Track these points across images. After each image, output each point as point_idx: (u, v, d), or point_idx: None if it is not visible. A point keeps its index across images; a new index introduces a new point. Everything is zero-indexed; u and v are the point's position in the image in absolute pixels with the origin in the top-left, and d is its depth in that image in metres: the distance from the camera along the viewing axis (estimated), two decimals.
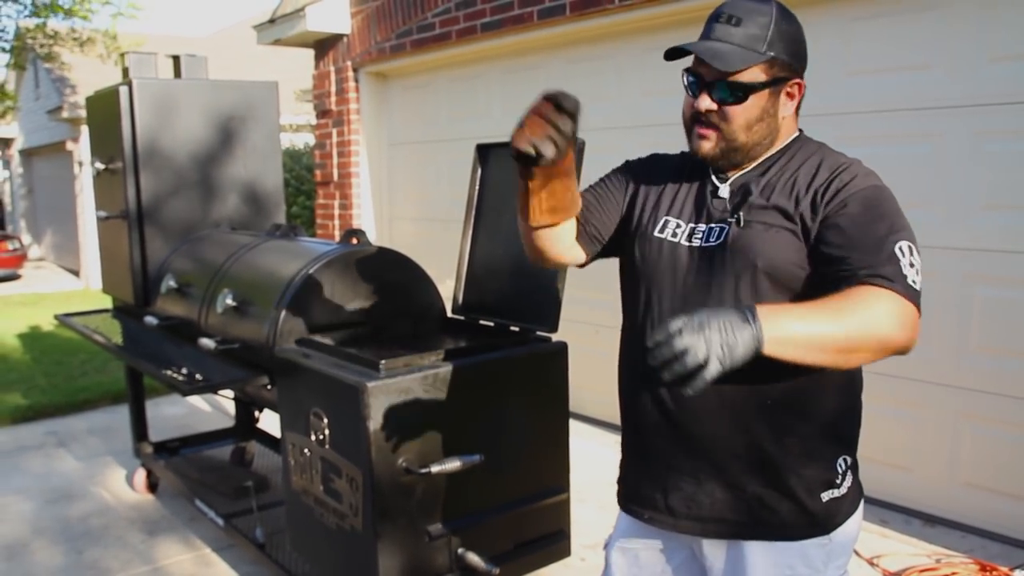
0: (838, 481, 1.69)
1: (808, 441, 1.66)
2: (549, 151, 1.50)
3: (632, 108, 5.09)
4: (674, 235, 1.73)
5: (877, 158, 1.71)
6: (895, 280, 1.44)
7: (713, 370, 1.27)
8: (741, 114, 1.62)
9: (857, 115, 3.93)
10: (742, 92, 1.60)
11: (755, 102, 1.61)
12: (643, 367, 1.71)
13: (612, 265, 1.97)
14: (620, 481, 1.91)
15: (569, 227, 1.81)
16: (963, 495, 3.77)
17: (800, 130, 1.74)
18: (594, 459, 4.75)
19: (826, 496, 1.67)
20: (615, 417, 5.90)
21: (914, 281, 1.46)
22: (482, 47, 5.88)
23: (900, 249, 1.48)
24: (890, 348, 1.42)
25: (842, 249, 1.51)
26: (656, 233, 1.76)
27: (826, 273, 1.53)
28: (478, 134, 4.89)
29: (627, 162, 1.94)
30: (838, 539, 1.70)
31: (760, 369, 1.53)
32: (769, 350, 1.32)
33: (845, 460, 1.72)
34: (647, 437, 1.77)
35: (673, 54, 1.66)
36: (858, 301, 1.41)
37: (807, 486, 1.66)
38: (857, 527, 1.76)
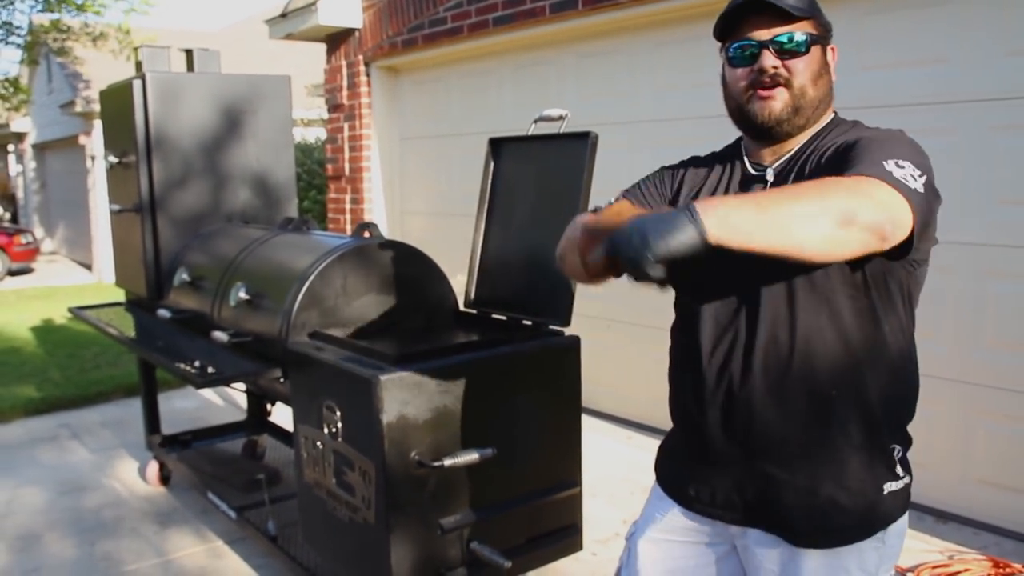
0: (899, 472, 1.66)
1: (871, 428, 1.62)
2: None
3: (644, 103, 5.08)
4: None
5: None
6: (867, 171, 1.38)
7: (649, 257, 1.25)
8: (807, 66, 1.61)
9: (872, 109, 3.91)
10: (805, 43, 1.60)
11: (815, 54, 1.62)
12: (702, 369, 1.69)
13: None
14: (683, 485, 1.82)
15: None
16: (976, 492, 3.76)
17: (835, 112, 1.73)
18: (605, 454, 4.76)
19: (887, 488, 1.64)
20: (627, 412, 5.90)
21: (900, 177, 1.38)
22: (494, 41, 5.88)
23: (896, 163, 1.41)
24: (854, 221, 1.30)
25: (843, 165, 1.47)
26: None
27: None
28: (490, 128, 4.89)
29: (663, 168, 1.92)
30: (890, 541, 1.66)
31: (824, 362, 1.55)
32: (716, 238, 1.26)
33: (902, 447, 1.68)
34: (711, 440, 1.71)
35: (729, 18, 1.63)
36: (815, 182, 1.37)
37: (876, 483, 1.63)
38: (904, 530, 1.72)
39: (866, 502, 1.63)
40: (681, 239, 1.25)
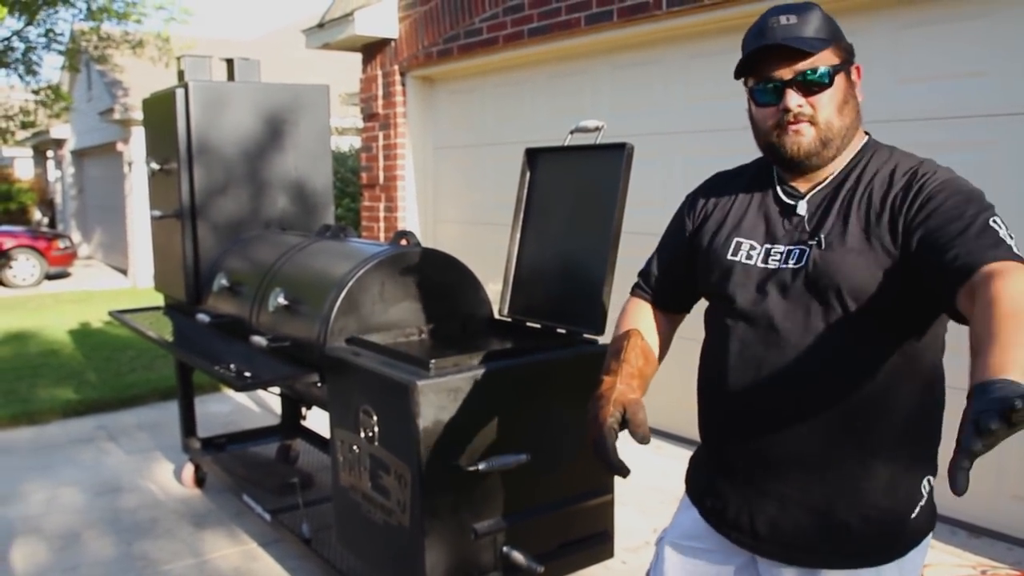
0: (923, 503, 1.66)
1: (896, 462, 1.63)
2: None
3: (678, 114, 5.10)
4: (748, 257, 1.71)
5: None
6: (1006, 253, 1.39)
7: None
8: (831, 98, 1.61)
9: (908, 123, 3.91)
10: (828, 76, 1.60)
11: (838, 84, 1.62)
12: (726, 388, 1.72)
13: None
14: (701, 495, 1.88)
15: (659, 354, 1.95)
16: (1010, 507, 3.73)
17: (867, 134, 1.73)
18: (635, 463, 4.75)
19: (909, 518, 1.64)
20: (657, 422, 5.89)
21: (1019, 249, 1.43)
22: (529, 52, 5.92)
23: (995, 222, 1.45)
24: None
25: (943, 237, 1.46)
26: (729, 256, 1.74)
27: (937, 263, 1.46)
28: (524, 138, 4.93)
29: (687, 198, 1.95)
30: (911, 557, 1.67)
31: (850, 396, 1.57)
32: None
33: (929, 480, 1.68)
34: (730, 456, 1.75)
35: (748, 61, 1.65)
36: (1008, 297, 1.29)
37: (894, 509, 1.63)
38: (927, 545, 1.72)
39: (884, 529, 1.63)
40: None
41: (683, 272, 1.91)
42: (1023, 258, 1.40)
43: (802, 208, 1.68)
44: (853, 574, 1.65)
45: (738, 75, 1.69)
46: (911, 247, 1.52)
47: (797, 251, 1.65)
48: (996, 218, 1.47)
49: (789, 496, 1.66)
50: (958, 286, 1.40)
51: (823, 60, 1.61)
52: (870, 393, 1.58)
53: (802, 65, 1.60)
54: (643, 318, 1.95)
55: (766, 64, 1.63)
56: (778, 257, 1.67)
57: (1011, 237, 1.45)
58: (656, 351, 1.91)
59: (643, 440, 1.60)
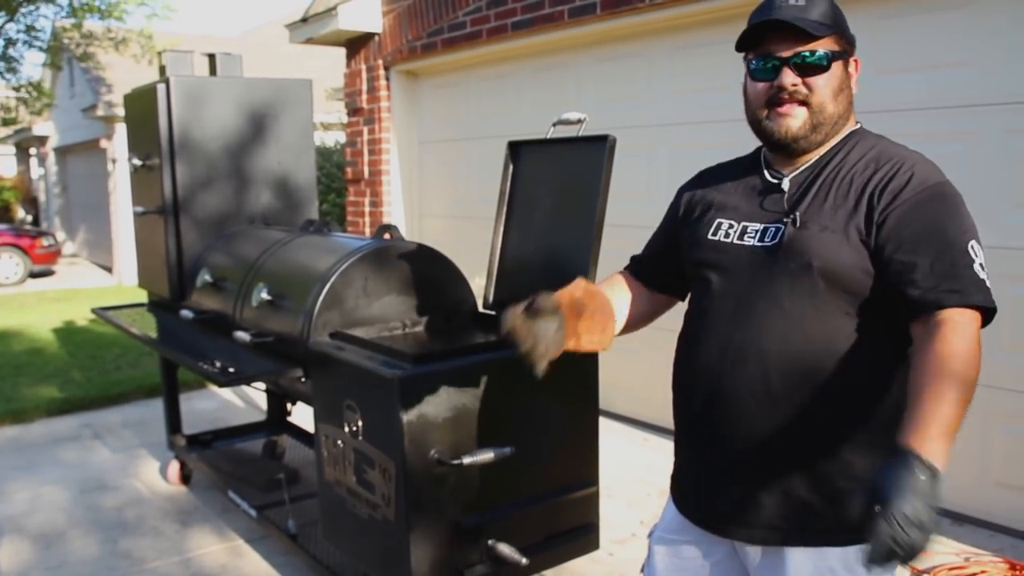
0: None
1: (860, 447, 1.64)
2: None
3: (662, 106, 5.10)
4: (726, 235, 1.73)
5: None
6: (965, 292, 1.47)
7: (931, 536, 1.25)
8: (827, 83, 1.64)
9: (887, 113, 3.91)
10: (826, 60, 1.62)
11: (835, 71, 1.64)
12: (695, 369, 1.74)
13: None
14: (674, 480, 1.92)
15: (625, 313, 1.97)
16: (993, 494, 3.75)
17: (858, 122, 1.75)
18: (622, 456, 4.78)
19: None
20: (643, 414, 5.90)
21: (985, 279, 1.49)
22: (513, 46, 5.91)
23: (971, 249, 1.50)
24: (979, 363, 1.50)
25: (908, 260, 1.51)
26: (709, 236, 1.77)
27: (895, 284, 1.52)
28: (508, 132, 4.90)
29: (679, 191, 1.98)
30: None
31: (816, 376, 1.58)
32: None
33: None
34: (700, 439, 1.77)
35: (751, 34, 1.67)
36: (945, 360, 1.44)
37: (856, 491, 1.63)
38: None
39: (847, 514, 1.64)
40: (935, 499, 1.26)
41: (670, 257, 1.94)
42: (980, 298, 1.47)
43: (785, 184, 1.71)
44: (819, 556, 1.66)
45: (739, 47, 1.71)
46: (880, 246, 1.55)
47: (772, 229, 1.67)
48: (973, 244, 1.51)
49: (753, 477, 1.68)
50: (913, 319, 1.50)
51: (825, 44, 1.63)
52: (836, 375, 1.59)
53: (803, 47, 1.62)
54: (614, 284, 2.01)
55: (767, 41, 1.65)
56: (753, 235, 1.69)
57: (983, 268, 1.49)
58: (623, 310, 1.95)
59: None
